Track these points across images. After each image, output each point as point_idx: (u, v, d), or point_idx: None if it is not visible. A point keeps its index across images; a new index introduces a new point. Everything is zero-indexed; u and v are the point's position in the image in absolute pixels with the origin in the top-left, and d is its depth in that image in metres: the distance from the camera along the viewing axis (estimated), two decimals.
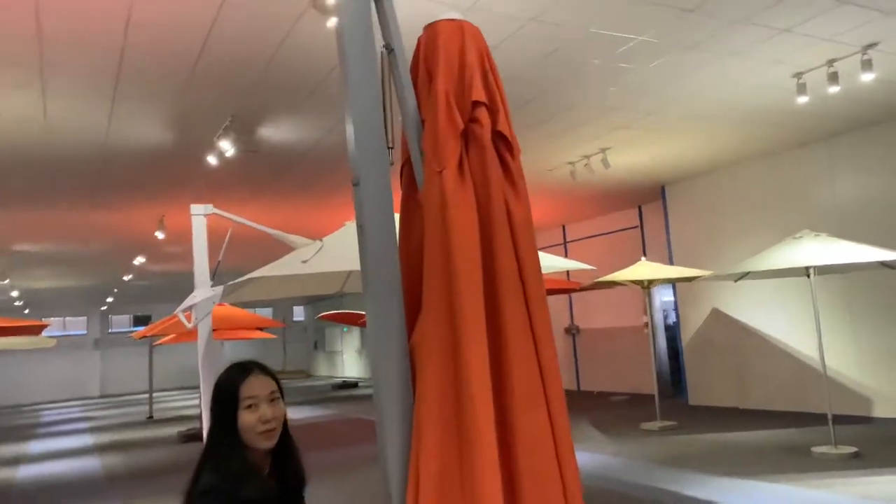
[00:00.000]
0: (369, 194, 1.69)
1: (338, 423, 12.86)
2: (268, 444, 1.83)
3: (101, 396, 27.11)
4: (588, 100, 6.91)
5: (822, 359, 6.94)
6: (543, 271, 2.20)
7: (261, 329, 14.84)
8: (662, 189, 11.36)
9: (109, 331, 28.52)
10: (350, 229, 4.45)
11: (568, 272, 13.27)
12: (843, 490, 5.46)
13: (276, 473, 1.88)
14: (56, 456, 10.92)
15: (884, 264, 7.22)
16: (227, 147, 7.23)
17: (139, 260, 14.96)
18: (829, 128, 8.51)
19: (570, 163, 9.23)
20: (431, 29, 1.86)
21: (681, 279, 9.28)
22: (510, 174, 1.80)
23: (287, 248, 4.79)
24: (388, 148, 1.78)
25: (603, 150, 8.67)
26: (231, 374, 1.92)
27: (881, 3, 5.20)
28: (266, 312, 29.23)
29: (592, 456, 7.51)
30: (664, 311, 13.18)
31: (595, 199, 12.10)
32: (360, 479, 7.35)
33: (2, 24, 4.72)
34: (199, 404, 4.34)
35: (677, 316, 11.34)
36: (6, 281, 17.21)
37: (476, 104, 1.77)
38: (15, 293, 20.03)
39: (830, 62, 6.28)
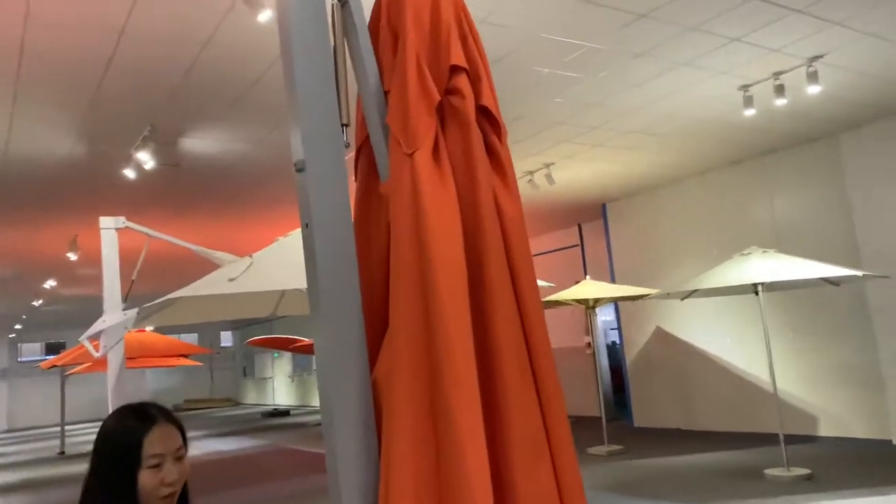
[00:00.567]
0: (318, 182, 1.27)
1: (270, 454, 12.13)
2: None
3: (8, 431, 25.21)
4: (534, 111, 6.64)
5: (773, 378, 6.82)
6: None
7: (185, 356, 14.00)
8: (604, 207, 11.25)
9: (19, 359, 26.64)
10: (283, 245, 3.98)
11: None
12: None
13: None
14: None
15: (826, 280, 7.19)
16: (146, 159, 6.63)
17: (50, 283, 13.89)
18: (769, 144, 8.54)
19: None
20: None
21: (628, 297, 9.11)
22: (498, 160, 1.42)
23: (213, 268, 4.28)
24: (342, 126, 1.37)
25: (547, 166, 8.45)
26: (128, 422, 1.46)
27: (829, 13, 5.13)
28: (191, 338, 27.92)
29: None
30: (605, 331, 13.05)
31: (535, 218, 11.90)
32: None
33: None
34: None
35: (620, 336, 11.19)
36: None
37: (455, 70, 1.38)
38: None
39: (777, 74, 6.21)
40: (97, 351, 3.83)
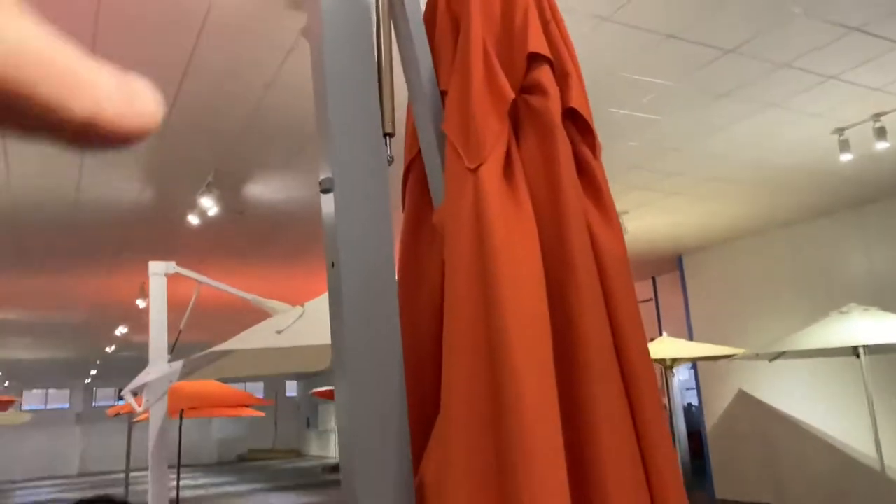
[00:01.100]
0: (350, 207, 0.95)
1: None
2: None
3: (80, 475, 25.63)
4: (607, 155, 6.21)
5: (880, 452, 6.06)
6: None
7: (248, 406, 13.89)
8: (679, 259, 10.65)
9: (94, 404, 27.25)
10: None
11: None
12: None
13: None
14: None
15: None
16: (210, 206, 6.55)
17: (121, 330, 14.10)
18: (866, 193, 7.88)
19: None
20: None
21: (710, 358, 8.45)
22: (591, 179, 1.07)
23: (267, 317, 4.03)
24: (385, 136, 1.06)
25: (621, 214, 8.01)
26: None
27: None
28: (257, 387, 28.07)
29: None
30: (681, 391, 12.26)
31: None
32: None
33: None
34: (159, 490, 3.48)
35: (699, 398, 10.43)
36: None
37: (535, 60, 1.05)
38: None
39: (877, 116, 5.67)
40: (139, 406, 3.59)
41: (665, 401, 10.26)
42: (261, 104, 4.95)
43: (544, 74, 1.04)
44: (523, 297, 0.90)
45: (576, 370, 0.92)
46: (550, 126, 1.01)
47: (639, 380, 0.94)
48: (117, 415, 12.47)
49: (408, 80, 1.12)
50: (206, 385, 10.08)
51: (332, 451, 27.19)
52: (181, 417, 8.40)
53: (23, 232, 7.52)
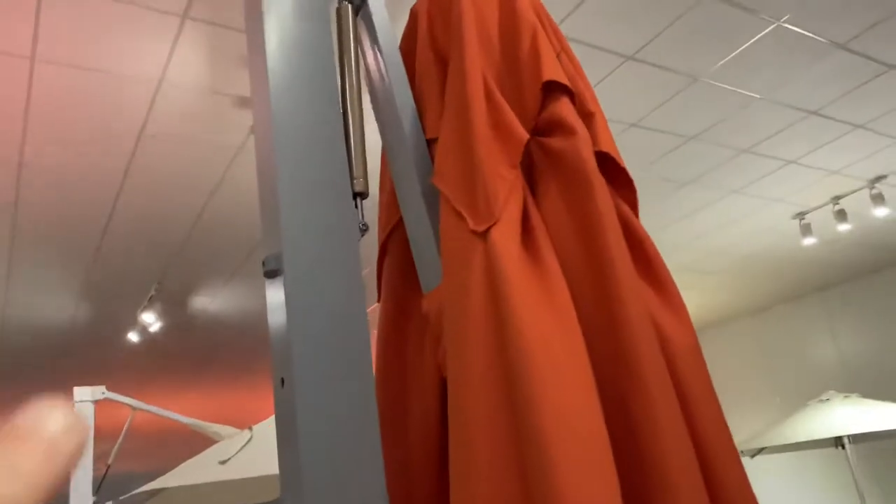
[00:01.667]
0: (306, 296, 0.65)
1: None
2: None
3: None
4: None
5: None
6: None
7: None
8: None
9: None
10: None
11: None
12: None
13: None
14: None
15: None
16: (152, 321, 6.10)
17: None
18: (830, 277, 7.87)
19: None
20: None
21: None
22: (639, 245, 0.80)
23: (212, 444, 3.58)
24: (355, 196, 0.77)
25: None
26: None
27: (893, 129, 4.67)
28: None
29: None
30: None
31: None
32: None
33: None
34: None
35: None
36: None
37: (552, 91, 0.79)
38: None
39: (836, 199, 5.68)
40: None
41: None
42: (205, 209, 4.66)
43: (565, 108, 0.78)
44: (571, 416, 0.59)
45: (645, 495, 0.62)
46: (583, 173, 0.73)
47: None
48: None
49: (382, 127, 0.85)
50: None
51: None
52: None
53: None
